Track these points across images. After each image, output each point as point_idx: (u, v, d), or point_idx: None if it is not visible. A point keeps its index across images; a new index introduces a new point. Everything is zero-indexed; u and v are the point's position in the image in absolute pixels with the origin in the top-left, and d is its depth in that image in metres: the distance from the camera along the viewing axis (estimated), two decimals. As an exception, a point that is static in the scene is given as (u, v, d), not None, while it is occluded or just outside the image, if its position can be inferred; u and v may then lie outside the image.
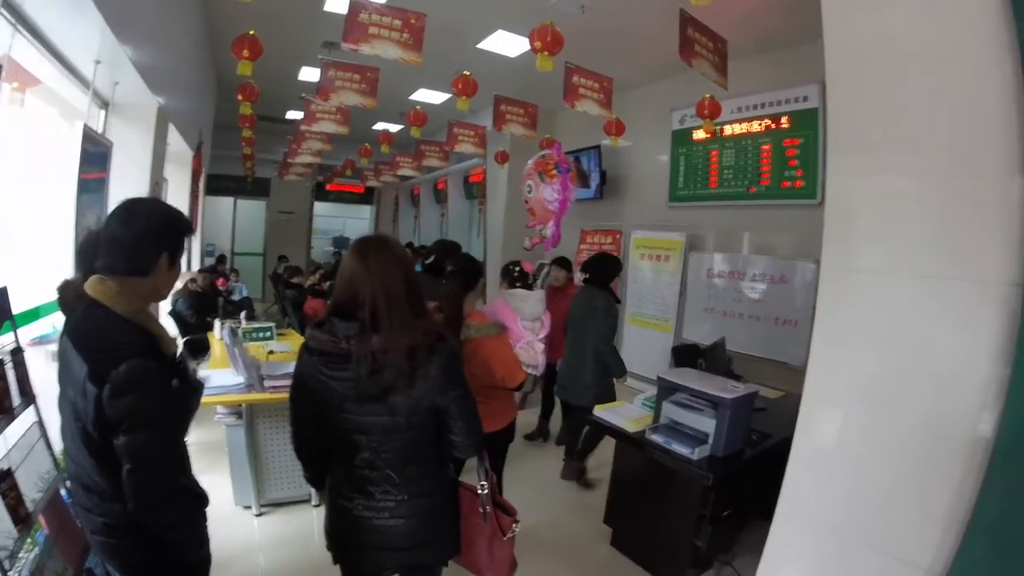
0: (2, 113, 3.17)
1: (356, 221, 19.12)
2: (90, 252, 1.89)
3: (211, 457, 4.26)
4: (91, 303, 1.69)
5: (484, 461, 2.13)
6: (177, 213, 1.90)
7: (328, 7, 6.08)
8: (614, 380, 4.71)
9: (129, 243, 1.72)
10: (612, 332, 4.65)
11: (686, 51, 4.23)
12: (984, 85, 1.64)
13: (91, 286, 1.70)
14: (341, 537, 2.06)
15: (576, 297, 4.88)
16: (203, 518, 1.90)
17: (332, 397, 1.89)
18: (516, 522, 2.19)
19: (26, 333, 2.46)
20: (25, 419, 2.37)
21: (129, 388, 1.58)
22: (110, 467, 1.64)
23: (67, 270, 3.74)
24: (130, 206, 1.79)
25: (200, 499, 1.91)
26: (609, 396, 4.52)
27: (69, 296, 1.85)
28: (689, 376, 3.47)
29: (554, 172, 5.78)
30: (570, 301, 5.02)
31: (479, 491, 2.11)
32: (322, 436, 2.01)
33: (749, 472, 3.25)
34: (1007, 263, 1.60)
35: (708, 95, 5.64)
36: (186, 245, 1.88)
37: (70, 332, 1.73)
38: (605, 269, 4.86)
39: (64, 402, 1.73)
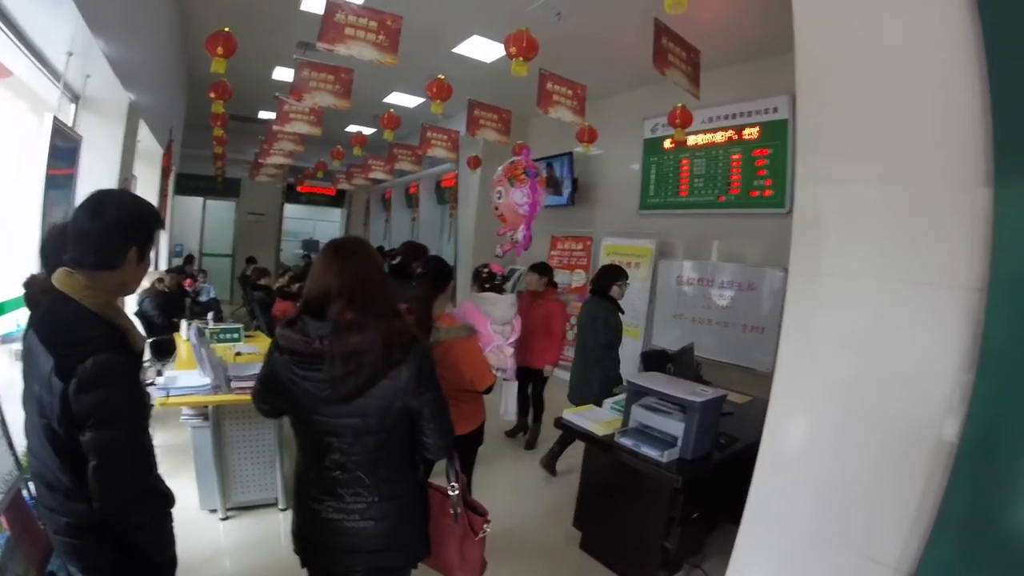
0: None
1: (326, 224, 19.00)
2: (55, 247, 1.85)
3: (176, 459, 4.16)
4: (58, 296, 1.65)
5: (455, 463, 2.13)
6: (147, 206, 1.85)
7: (304, 6, 6.04)
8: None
9: (97, 236, 1.68)
10: (613, 341, 4.77)
11: (659, 60, 4.27)
12: (951, 94, 1.68)
13: (58, 279, 1.67)
14: (309, 540, 2.04)
15: (583, 307, 5.00)
16: (169, 518, 1.87)
17: (303, 398, 1.87)
18: (487, 522, 2.17)
19: (-4, 327, 2.41)
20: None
21: (96, 383, 1.55)
22: (75, 465, 1.60)
23: (33, 266, 3.68)
24: (99, 197, 1.74)
25: (166, 498, 1.88)
26: None
27: (35, 290, 1.83)
28: (658, 380, 3.51)
29: (523, 176, 5.80)
30: (548, 306, 5.26)
31: (450, 492, 2.10)
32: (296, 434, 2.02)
33: (718, 475, 3.29)
34: (971, 268, 1.64)
35: (680, 104, 5.70)
36: (156, 239, 1.84)
37: (36, 326, 1.69)
38: (604, 278, 4.91)
39: (29, 398, 1.69)
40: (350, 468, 1.89)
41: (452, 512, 2.10)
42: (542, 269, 5.69)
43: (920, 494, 1.72)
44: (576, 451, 3.95)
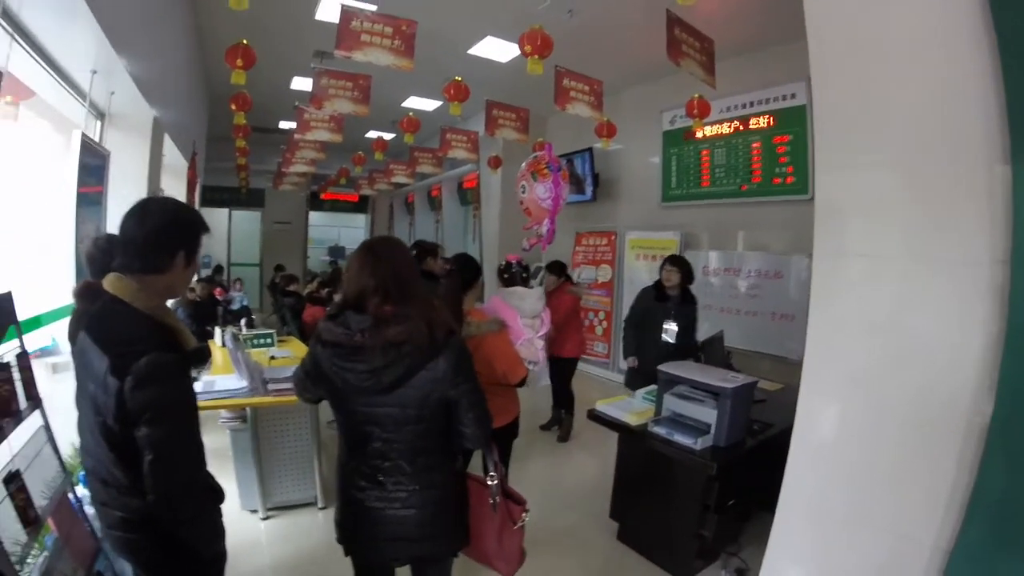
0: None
1: (351, 230, 19.11)
2: (103, 255, 1.90)
3: (216, 462, 4.13)
4: (110, 299, 1.71)
5: (492, 453, 2.15)
6: (193, 211, 1.91)
7: (319, 16, 6.11)
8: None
9: (145, 241, 1.73)
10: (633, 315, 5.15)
11: (673, 51, 4.28)
12: (965, 75, 1.69)
13: (110, 283, 1.72)
14: (352, 529, 2.09)
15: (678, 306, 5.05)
16: (219, 513, 1.90)
17: (345, 388, 1.93)
18: (526, 511, 2.20)
19: (28, 342, 2.48)
20: (32, 423, 2.40)
21: (151, 380, 1.59)
22: (129, 461, 1.65)
23: (68, 280, 3.77)
24: (145, 204, 1.80)
25: (217, 493, 1.93)
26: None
27: (88, 294, 1.88)
28: (689, 368, 3.52)
29: (545, 171, 5.82)
30: (561, 298, 5.45)
31: (488, 482, 2.13)
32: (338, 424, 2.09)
33: (752, 461, 3.29)
34: (993, 243, 1.64)
35: (697, 95, 5.68)
36: (201, 243, 1.88)
37: (89, 328, 1.74)
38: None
39: (82, 397, 1.74)
40: (391, 457, 1.95)
41: (491, 502, 2.12)
42: (555, 268, 5.86)
43: (954, 472, 1.72)
44: (611, 443, 3.94)
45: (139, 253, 1.73)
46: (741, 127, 6.80)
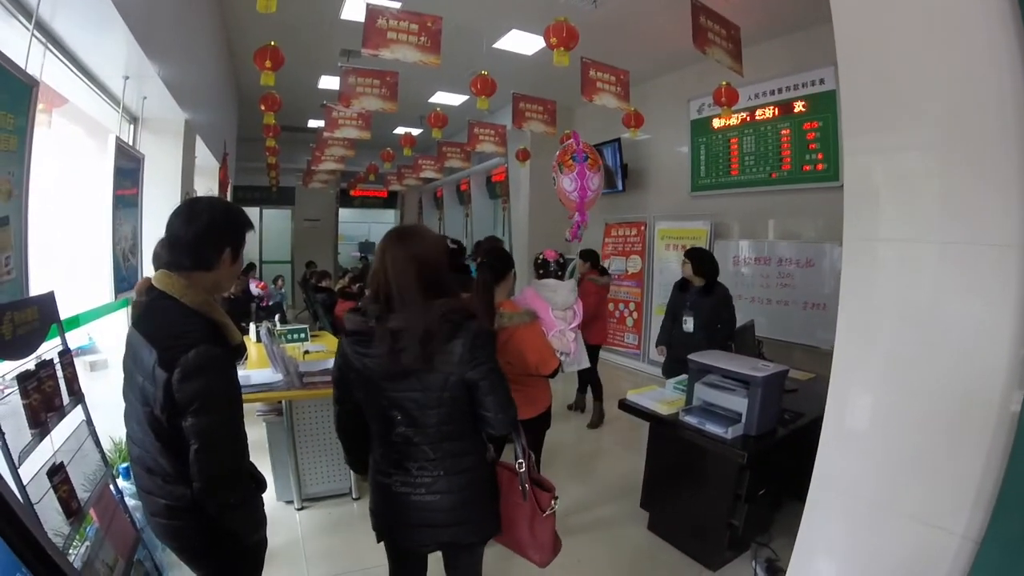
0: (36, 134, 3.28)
1: (381, 226, 19.20)
2: (163, 255, 1.97)
3: (252, 454, 4.24)
4: (159, 295, 1.78)
5: (520, 438, 2.13)
6: (237, 209, 1.98)
7: (345, 15, 6.19)
8: None
9: (192, 240, 1.80)
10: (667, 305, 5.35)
11: (699, 39, 4.26)
12: (992, 56, 1.66)
13: (158, 280, 1.80)
14: (383, 515, 2.11)
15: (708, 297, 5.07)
16: (261, 502, 1.99)
17: (368, 374, 1.96)
18: (555, 498, 2.17)
19: (69, 340, 2.56)
20: (74, 417, 2.48)
21: (198, 372, 1.66)
22: (175, 450, 1.72)
23: (105, 280, 3.86)
24: (192, 204, 1.89)
25: (259, 483, 2.02)
26: None
27: (140, 292, 1.98)
28: (719, 357, 3.50)
29: (571, 162, 5.81)
30: (585, 286, 5.62)
31: (517, 469, 2.11)
32: (362, 412, 2.09)
33: (783, 451, 3.28)
34: (1023, 225, 1.62)
35: (724, 82, 5.63)
36: (246, 240, 1.96)
37: (137, 322, 1.82)
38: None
39: (131, 388, 1.81)
40: (415, 441, 1.96)
41: (520, 489, 2.11)
42: (587, 255, 6.09)
43: (984, 462, 1.70)
44: (642, 433, 3.95)
45: (187, 251, 1.80)
46: (770, 114, 6.73)
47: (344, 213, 17.86)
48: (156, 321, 1.77)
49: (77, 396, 2.50)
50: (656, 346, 5.33)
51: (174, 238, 1.81)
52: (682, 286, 5.09)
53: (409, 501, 2.00)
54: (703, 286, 4.87)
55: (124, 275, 4.08)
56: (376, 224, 19.21)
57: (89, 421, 2.62)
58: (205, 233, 1.81)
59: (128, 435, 1.91)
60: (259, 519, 1.96)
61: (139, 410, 1.75)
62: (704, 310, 4.84)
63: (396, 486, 2.02)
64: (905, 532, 1.93)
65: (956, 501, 1.77)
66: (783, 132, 6.59)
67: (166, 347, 1.66)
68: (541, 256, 3.87)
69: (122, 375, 1.89)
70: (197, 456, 1.67)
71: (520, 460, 2.11)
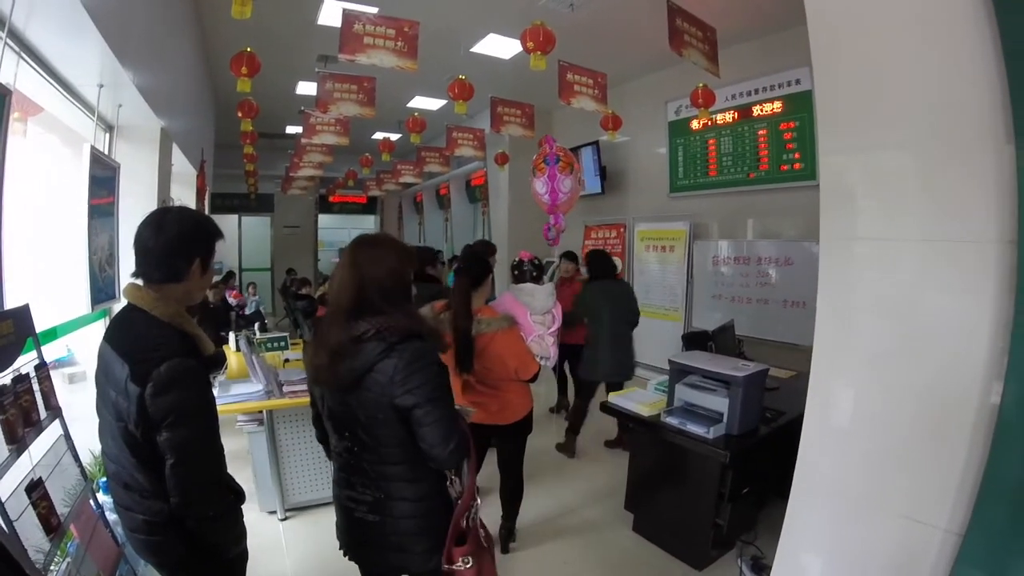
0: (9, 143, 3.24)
1: (361, 231, 19.08)
2: None
3: (234, 465, 4.17)
4: (128, 308, 1.78)
5: (467, 472, 2.03)
6: (206, 219, 1.95)
7: (322, 20, 6.15)
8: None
9: (162, 252, 1.77)
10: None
11: (676, 41, 4.28)
12: (966, 55, 1.68)
13: (128, 293, 1.79)
14: (339, 527, 2.08)
15: (602, 289, 5.17)
16: (240, 514, 1.96)
17: (314, 379, 1.96)
18: (464, 556, 1.98)
19: (45, 353, 2.54)
20: (52, 432, 2.45)
21: (171, 386, 1.64)
22: (151, 465, 1.70)
23: (82, 291, 3.81)
24: (161, 215, 1.84)
25: (238, 495, 2.00)
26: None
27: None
28: (700, 358, 3.52)
29: (543, 165, 5.83)
30: (575, 287, 5.58)
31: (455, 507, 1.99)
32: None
33: (765, 449, 3.30)
34: (1000, 222, 1.64)
35: (701, 84, 5.69)
36: (215, 250, 1.92)
37: (109, 337, 1.80)
38: (608, 263, 5.27)
39: (104, 403, 1.79)
40: (356, 455, 1.89)
41: (464, 524, 1.99)
42: (572, 256, 6.05)
43: (965, 456, 1.71)
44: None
45: (157, 263, 1.78)
46: (747, 115, 6.79)
47: (324, 219, 17.74)
48: (127, 335, 1.76)
49: (55, 410, 2.46)
50: None
51: (144, 250, 1.78)
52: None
53: (354, 518, 1.95)
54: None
55: (101, 286, 4.03)
56: (356, 230, 19.09)
57: (67, 435, 2.58)
58: (175, 244, 1.79)
59: (103, 451, 1.89)
60: (239, 532, 1.94)
61: (113, 425, 1.74)
62: None
63: (343, 499, 1.98)
64: (888, 527, 1.94)
65: (938, 495, 1.78)
66: (760, 132, 6.65)
67: (138, 360, 1.65)
68: (516, 258, 3.88)
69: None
70: (173, 470, 1.66)
71: (458, 500, 2.00)
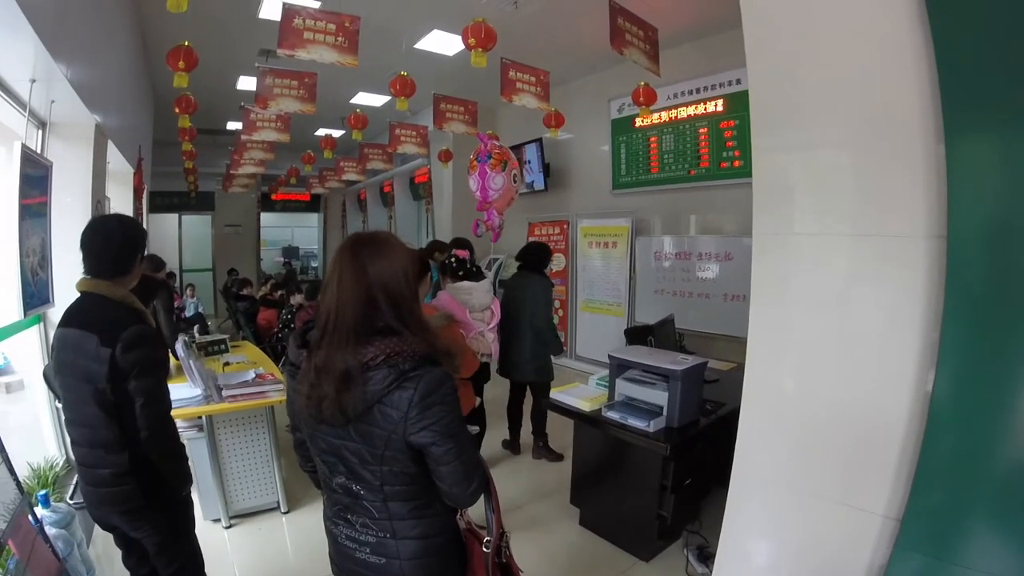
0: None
1: (304, 230, 18.95)
2: None
3: None
4: (87, 295, 2.20)
5: (490, 507, 1.82)
6: (139, 222, 2.43)
7: (263, 14, 6.04)
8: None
9: (117, 252, 2.25)
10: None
11: (617, 40, 4.34)
12: (899, 55, 1.74)
13: (85, 284, 2.22)
14: (336, 563, 1.81)
15: (524, 284, 4.98)
16: (187, 458, 2.46)
17: (303, 412, 1.64)
18: None
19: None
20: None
21: (137, 343, 2.11)
22: (118, 418, 2.11)
23: (14, 296, 3.68)
24: (104, 222, 2.38)
25: (182, 445, 2.48)
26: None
27: None
28: (639, 352, 3.58)
29: (475, 162, 5.84)
30: None
31: (484, 549, 1.78)
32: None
33: (706, 440, 3.39)
34: (930, 217, 1.71)
35: (643, 83, 5.76)
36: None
37: (71, 319, 2.19)
38: (541, 255, 5.10)
39: (73, 376, 2.14)
40: (358, 494, 1.63)
41: (485, 570, 1.78)
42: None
43: (901, 443, 1.77)
44: (569, 430, 3.99)
45: (111, 262, 2.23)
46: (688, 113, 6.92)
47: (266, 218, 17.37)
48: (91, 315, 2.15)
49: (-14, 423, 2.41)
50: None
51: (95, 254, 2.22)
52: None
53: (355, 558, 1.70)
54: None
55: (34, 290, 3.88)
56: (299, 228, 18.92)
57: (1, 447, 2.50)
58: (124, 246, 2.27)
59: (69, 420, 2.23)
60: (187, 472, 2.39)
61: (83, 390, 2.09)
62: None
63: (341, 538, 1.72)
64: (827, 513, 1.99)
65: (875, 481, 1.84)
66: (701, 131, 6.77)
67: (104, 329, 2.09)
68: (454, 259, 3.84)
69: (47, 383, 2.37)
70: (143, 410, 2.12)
71: (488, 538, 1.79)
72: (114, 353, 2.05)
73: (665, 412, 3.27)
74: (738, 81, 6.30)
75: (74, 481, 4.22)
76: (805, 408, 2.05)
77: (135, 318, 2.20)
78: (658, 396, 3.30)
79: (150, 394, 2.14)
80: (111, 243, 2.24)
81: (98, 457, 2.13)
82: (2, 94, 3.80)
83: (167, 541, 2.34)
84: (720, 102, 6.56)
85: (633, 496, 3.53)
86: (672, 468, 3.29)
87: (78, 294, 2.24)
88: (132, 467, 2.14)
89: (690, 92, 6.85)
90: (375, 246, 1.59)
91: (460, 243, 4.51)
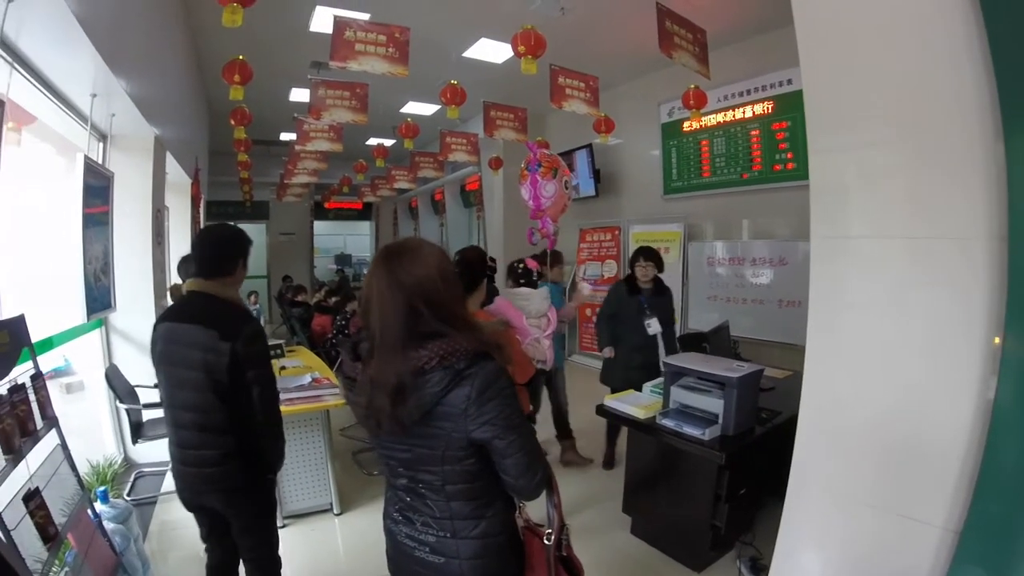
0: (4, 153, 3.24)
1: (356, 237, 19.26)
2: (185, 267, 2.70)
3: None
4: (198, 294, 2.44)
5: (552, 501, 1.82)
6: (242, 231, 2.64)
7: (314, 27, 6.17)
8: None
9: (221, 257, 2.49)
10: (607, 308, 4.92)
11: (665, 44, 4.29)
12: (954, 53, 1.69)
13: (196, 284, 2.46)
14: (394, 561, 1.83)
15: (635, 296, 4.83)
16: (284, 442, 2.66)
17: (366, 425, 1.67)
18: None
19: (41, 363, 2.55)
20: (48, 441, 2.46)
21: (256, 338, 2.39)
22: (231, 403, 2.34)
23: (78, 300, 3.81)
24: (210, 231, 2.63)
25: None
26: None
27: (176, 293, 2.52)
28: (694, 360, 3.52)
29: (525, 171, 5.84)
30: None
31: (545, 541, 1.75)
32: None
33: (761, 450, 3.31)
34: (990, 219, 1.65)
35: (692, 85, 5.69)
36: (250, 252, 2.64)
37: (184, 316, 2.41)
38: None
39: (185, 366, 2.34)
40: (419, 494, 1.66)
41: (546, 565, 1.76)
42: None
43: (962, 454, 1.72)
44: (620, 438, 3.95)
45: (216, 264, 2.47)
46: (739, 115, 6.83)
47: (319, 226, 17.72)
48: (205, 312, 2.38)
49: (51, 420, 2.49)
50: (601, 349, 4.93)
51: (204, 258, 2.50)
52: (631, 289, 4.77)
53: (414, 557, 1.72)
54: (655, 285, 4.77)
55: (96, 295, 4.02)
56: (351, 236, 19.22)
57: (64, 445, 2.60)
58: (227, 250, 2.50)
59: (177, 406, 2.40)
60: (284, 453, 2.61)
61: (198, 378, 2.31)
62: (662, 309, 4.73)
63: (401, 536, 1.74)
64: (885, 525, 1.94)
65: (934, 492, 1.79)
66: (752, 133, 6.68)
67: (224, 324, 2.33)
68: (522, 265, 3.85)
69: (157, 368, 2.46)
70: (261, 395, 2.37)
71: (549, 531, 1.77)
72: (234, 347, 2.28)
73: (720, 420, 3.21)
74: (789, 82, 6.21)
75: (132, 478, 4.36)
76: (863, 416, 2.01)
77: (246, 316, 2.47)
78: (714, 404, 3.25)
79: (266, 381, 2.40)
80: (218, 248, 2.51)
81: (207, 439, 2.35)
82: (65, 108, 3.94)
83: (257, 519, 2.59)
84: (770, 104, 6.48)
85: (687, 505, 3.48)
86: (727, 477, 3.23)
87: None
88: (239, 448, 2.38)
89: (740, 94, 6.78)
90: (406, 255, 1.60)
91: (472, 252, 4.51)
